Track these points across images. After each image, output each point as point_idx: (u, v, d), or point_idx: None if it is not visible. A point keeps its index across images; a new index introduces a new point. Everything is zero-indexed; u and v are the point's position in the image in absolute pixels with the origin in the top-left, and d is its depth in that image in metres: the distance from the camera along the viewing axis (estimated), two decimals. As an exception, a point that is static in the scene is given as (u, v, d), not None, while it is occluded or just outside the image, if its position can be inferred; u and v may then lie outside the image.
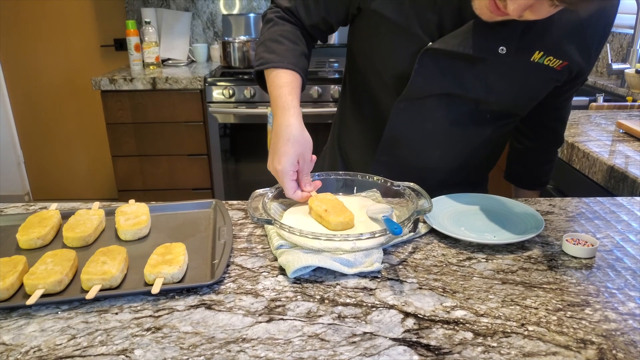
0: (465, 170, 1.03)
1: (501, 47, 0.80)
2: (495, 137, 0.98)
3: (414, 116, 0.91)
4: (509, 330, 0.54)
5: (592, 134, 1.30)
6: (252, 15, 2.78)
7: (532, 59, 0.83)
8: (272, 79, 0.88)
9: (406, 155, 0.97)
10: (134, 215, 0.78)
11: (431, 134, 0.94)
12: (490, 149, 1.02)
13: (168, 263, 0.63)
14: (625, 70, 1.92)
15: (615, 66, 2.03)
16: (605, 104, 1.65)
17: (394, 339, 0.53)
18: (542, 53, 0.82)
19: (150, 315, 0.57)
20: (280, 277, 0.65)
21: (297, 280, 0.64)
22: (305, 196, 0.80)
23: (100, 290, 0.60)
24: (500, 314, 0.57)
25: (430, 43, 0.82)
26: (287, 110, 0.83)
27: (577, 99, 1.88)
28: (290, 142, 0.80)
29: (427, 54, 0.83)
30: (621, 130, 1.32)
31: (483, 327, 0.55)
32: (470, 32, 0.80)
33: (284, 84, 0.86)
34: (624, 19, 2.17)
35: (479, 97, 0.87)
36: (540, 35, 0.81)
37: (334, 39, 2.82)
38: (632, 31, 2.06)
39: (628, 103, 1.65)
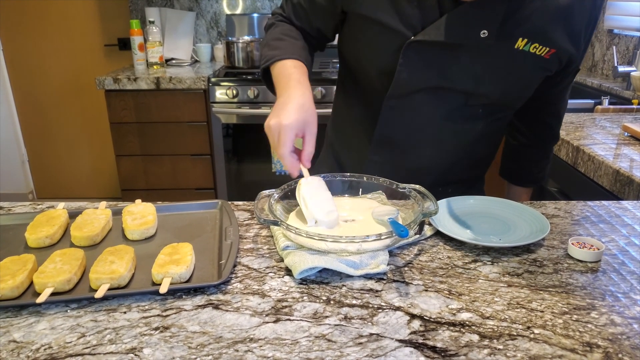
0: (459, 170, 1.02)
1: (483, 31, 0.80)
2: (488, 134, 0.98)
3: (403, 113, 0.92)
4: (515, 333, 0.54)
5: (597, 137, 1.30)
6: (255, 15, 2.79)
7: (516, 47, 0.83)
8: (279, 69, 0.89)
9: (398, 154, 0.97)
10: (140, 215, 0.78)
11: (422, 131, 0.94)
12: (483, 146, 1.01)
13: (175, 263, 0.64)
14: (631, 73, 1.92)
15: (621, 69, 2.03)
16: (611, 106, 1.65)
17: (400, 341, 0.53)
18: (526, 40, 0.82)
19: (158, 315, 0.58)
20: (287, 278, 0.65)
21: (304, 281, 0.65)
22: (297, 167, 0.78)
23: (109, 289, 0.60)
24: (506, 317, 0.57)
25: (413, 37, 0.83)
26: (298, 85, 0.83)
27: (582, 102, 1.88)
28: (302, 107, 0.79)
29: (410, 47, 0.84)
30: (626, 134, 1.32)
31: (489, 330, 0.55)
32: (450, 21, 0.81)
33: (291, 67, 0.88)
34: (629, 21, 2.17)
35: (466, 89, 0.87)
36: (524, 22, 0.81)
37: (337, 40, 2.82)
38: (638, 34, 2.06)
39: (634, 106, 1.65)
